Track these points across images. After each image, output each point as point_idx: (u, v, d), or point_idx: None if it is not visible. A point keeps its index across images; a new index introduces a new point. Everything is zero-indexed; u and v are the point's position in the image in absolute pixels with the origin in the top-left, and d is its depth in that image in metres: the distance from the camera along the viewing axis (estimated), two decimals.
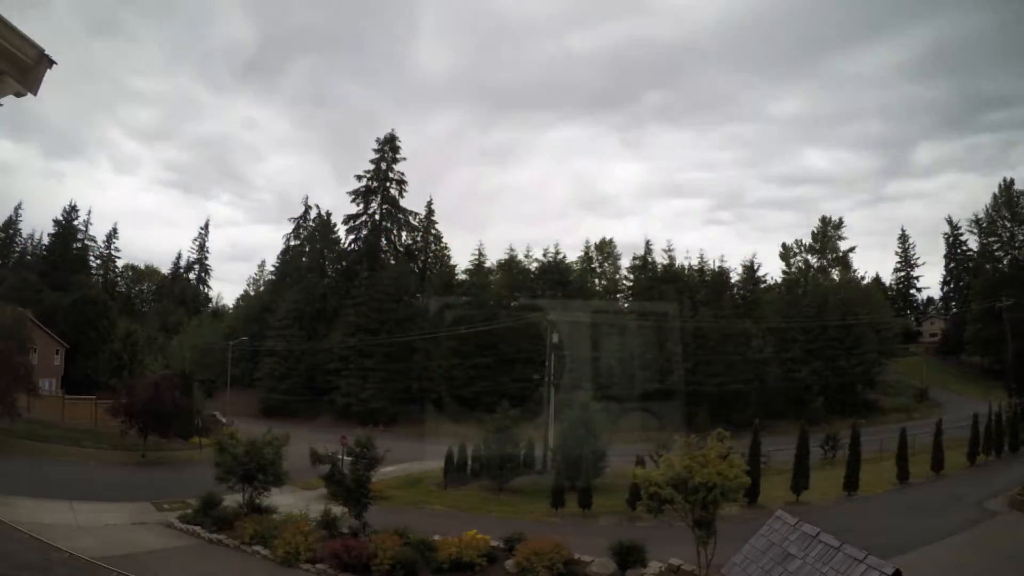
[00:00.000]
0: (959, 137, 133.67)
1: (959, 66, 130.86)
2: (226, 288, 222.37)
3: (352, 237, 72.85)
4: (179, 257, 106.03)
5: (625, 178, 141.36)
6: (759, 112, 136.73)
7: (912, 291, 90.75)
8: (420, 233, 75.02)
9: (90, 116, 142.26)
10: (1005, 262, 66.49)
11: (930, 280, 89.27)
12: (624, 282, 72.22)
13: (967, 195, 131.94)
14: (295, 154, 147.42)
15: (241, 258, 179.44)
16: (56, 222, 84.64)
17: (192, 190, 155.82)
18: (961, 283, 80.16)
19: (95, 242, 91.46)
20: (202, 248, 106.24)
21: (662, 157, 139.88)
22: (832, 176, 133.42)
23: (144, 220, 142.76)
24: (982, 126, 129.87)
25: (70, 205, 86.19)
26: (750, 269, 63.53)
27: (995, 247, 68.49)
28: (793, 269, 73.87)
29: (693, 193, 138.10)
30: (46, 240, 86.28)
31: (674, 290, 60.48)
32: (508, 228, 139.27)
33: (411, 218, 73.26)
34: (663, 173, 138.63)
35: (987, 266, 68.49)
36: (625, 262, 73.34)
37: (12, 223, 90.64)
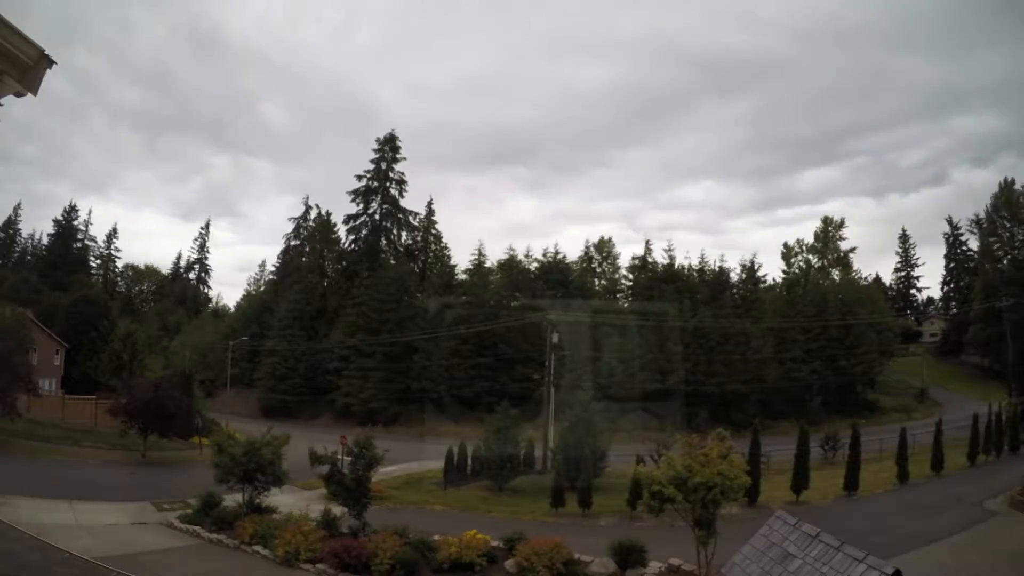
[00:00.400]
0: (834, 164, 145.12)
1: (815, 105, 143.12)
2: (226, 290, 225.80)
3: (352, 237, 72.95)
4: (179, 257, 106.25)
5: (533, 209, 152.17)
6: (630, 157, 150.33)
7: (912, 291, 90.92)
8: (420, 233, 75.08)
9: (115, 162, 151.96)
10: (1005, 262, 66.45)
11: (930, 280, 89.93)
12: (624, 282, 72.28)
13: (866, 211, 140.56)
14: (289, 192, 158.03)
15: (241, 269, 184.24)
16: (56, 222, 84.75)
17: (193, 220, 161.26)
18: (961, 283, 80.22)
19: (95, 242, 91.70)
20: (202, 248, 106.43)
21: (559, 195, 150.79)
22: (723, 203, 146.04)
23: (145, 233, 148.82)
24: (851, 153, 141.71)
25: (70, 205, 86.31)
26: (750, 269, 63.61)
27: (995, 247, 68.45)
28: (795, 269, 74.03)
29: (600, 219, 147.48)
30: (46, 240, 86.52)
31: (674, 290, 60.52)
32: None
33: (411, 218, 73.38)
34: (567, 205, 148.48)
35: (987, 266, 68.44)
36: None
37: (12, 223, 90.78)
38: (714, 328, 55.41)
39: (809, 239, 77.70)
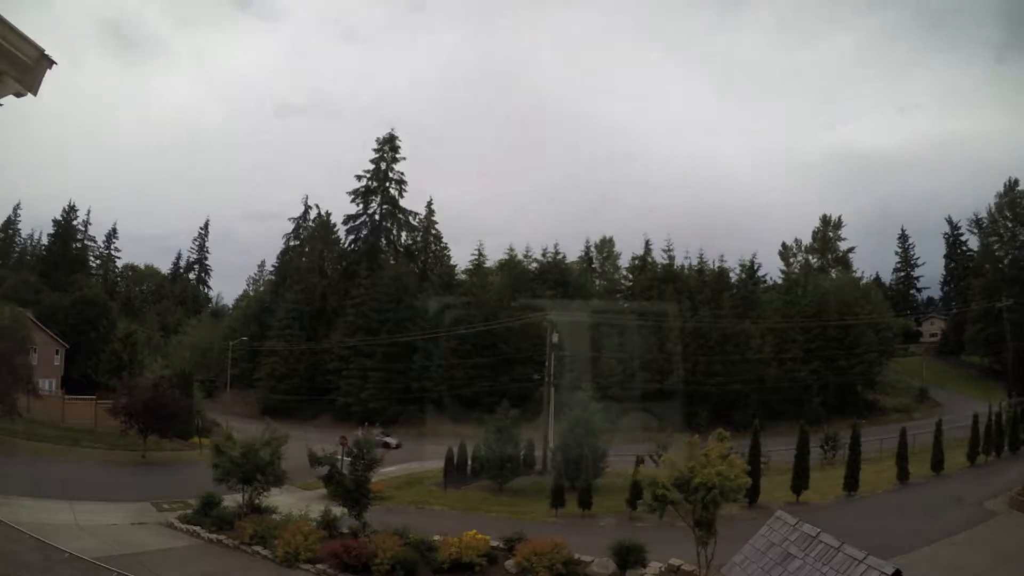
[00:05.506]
0: None
1: None
2: (225, 287, 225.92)
3: (352, 237, 72.88)
4: (179, 257, 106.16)
5: None
6: None
7: (912, 291, 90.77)
8: (420, 233, 75.00)
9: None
10: (1005, 262, 66.36)
11: (930, 280, 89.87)
12: (624, 282, 72.20)
13: None
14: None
15: (240, 268, 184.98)
16: (56, 222, 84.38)
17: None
18: (961, 283, 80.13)
19: (95, 242, 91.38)
20: (202, 248, 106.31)
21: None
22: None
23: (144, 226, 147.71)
24: None
25: (69, 205, 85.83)
26: (750, 269, 63.51)
27: (995, 247, 68.37)
28: (795, 268, 73.94)
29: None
30: (46, 240, 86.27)
31: (673, 290, 60.47)
32: None
33: (411, 218, 73.29)
34: None
35: (987, 266, 68.36)
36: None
37: (12, 223, 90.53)
38: (714, 328, 55.37)
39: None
